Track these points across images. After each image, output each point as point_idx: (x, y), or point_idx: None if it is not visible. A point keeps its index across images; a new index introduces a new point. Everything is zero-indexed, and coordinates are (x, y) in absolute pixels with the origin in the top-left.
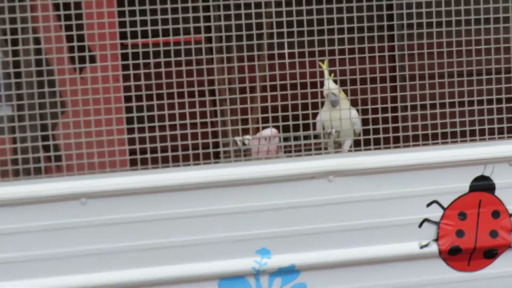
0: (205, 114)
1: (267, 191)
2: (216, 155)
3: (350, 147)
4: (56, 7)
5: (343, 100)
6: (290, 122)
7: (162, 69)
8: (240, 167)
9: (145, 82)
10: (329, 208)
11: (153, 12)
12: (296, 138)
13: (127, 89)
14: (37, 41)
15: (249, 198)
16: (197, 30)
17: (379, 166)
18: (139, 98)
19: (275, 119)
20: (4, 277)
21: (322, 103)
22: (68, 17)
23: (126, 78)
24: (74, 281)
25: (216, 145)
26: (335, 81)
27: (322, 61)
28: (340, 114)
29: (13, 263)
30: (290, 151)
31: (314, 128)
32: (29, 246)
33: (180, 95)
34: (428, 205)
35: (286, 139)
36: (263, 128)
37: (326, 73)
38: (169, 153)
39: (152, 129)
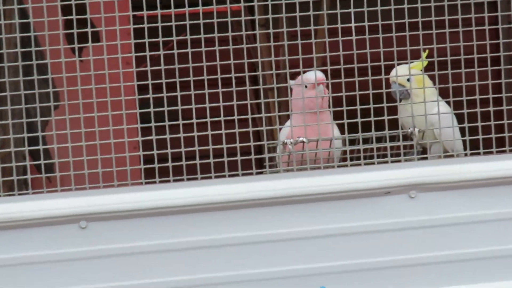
0: (245, 108)
1: (328, 211)
2: (260, 163)
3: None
4: None
5: (431, 91)
6: (358, 119)
7: (189, 50)
8: (290, 180)
9: (166, 67)
10: (412, 233)
11: None
12: (366, 141)
13: (141, 76)
14: (24, 14)
15: (304, 221)
16: None
17: (480, 177)
18: (157, 88)
19: (338, 115)
20: None
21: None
22: None
23: (140, 61)
24: None
25: (259, 150)
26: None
27: (424, 50)
28: (425, 109)
29: None
30: (358, 158)
31: (393, 128)
32: (10, 284)
33: (212, 83)
34: None
35: (352, 142)
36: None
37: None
38: (197, 161)
39: (174, 129)
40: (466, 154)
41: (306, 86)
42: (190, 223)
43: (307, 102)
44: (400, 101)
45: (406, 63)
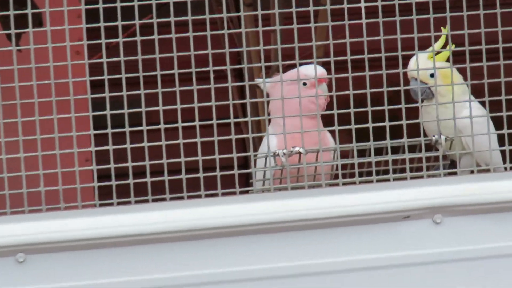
0: (227, 110)
1: (331, 241)
2: (246, 180)
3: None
4: None
5: (460, 89)
6: (370, 124)
7: (155, 36)
8: (284, 201)
9: (126, 58)
10: (437, 268)
11: None
12: (379, 152)
13: (95, 69)
14: None
15: (301, 253)
16: None
17: None
18: (115, 85)
19: (345, 119)
20: None
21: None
22: None
23: (93, 51)
24: None
25: (244, 162)
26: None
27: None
28: (453, 111)
29: None
30: (369, 174)
31: (413, 135)
32: None
33: (185, 78)
34: None
35: (362, 153)
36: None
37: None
38: (165, 177)
39: (136, 136)
40: (505, 169)
41: (305, 84)
42: (156, 255)
43: (305, 103)
44: (422, 101)
45: (429, 52)
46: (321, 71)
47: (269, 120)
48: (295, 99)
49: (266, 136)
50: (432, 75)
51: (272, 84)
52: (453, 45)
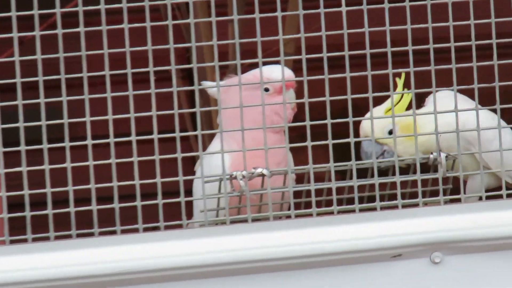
0: (172, 120)
1: (303, 285)
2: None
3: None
4: None
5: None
6: (351, 139)
7: (81, 29)
8: (242, 236)
9: (44, 57)
10: None
11: None
12: (363, 173)
13: (4, 71)
14: None
15: None
16: None
17: None
18: (29, 89)
19: (320, 132)
20: None
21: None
22: None
23: (3, 46)
24: None
25: (189, 186)
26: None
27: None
28: (457, 121)
29: None
30: (351, 201)
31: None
32: None
33: (117, 81)
34: None
35: (341, 176)
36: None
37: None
38: (93, 207)
39: (57, 154)
40: None
41: (267, 90)
42: None
43: (268, 113)
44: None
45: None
46: (288, 73)
47: (213, 135)
48: (254, 108)
49: (208, 153)
50: (390, 132)
51: (224, 89)
52: (409, 95)
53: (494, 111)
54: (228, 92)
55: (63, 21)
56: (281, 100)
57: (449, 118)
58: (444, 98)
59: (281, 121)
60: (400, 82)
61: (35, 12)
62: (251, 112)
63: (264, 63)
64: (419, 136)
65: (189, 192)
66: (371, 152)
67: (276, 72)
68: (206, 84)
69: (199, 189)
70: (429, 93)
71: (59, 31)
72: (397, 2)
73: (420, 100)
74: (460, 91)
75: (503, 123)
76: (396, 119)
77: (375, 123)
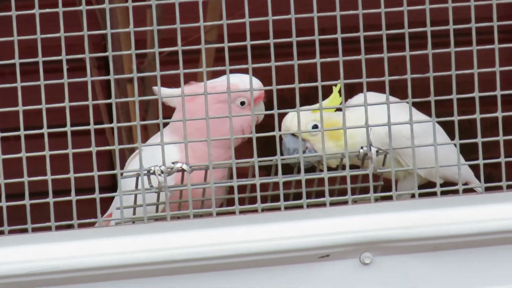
0: (86, 113)
1: (225, 286)
2: (108, 205)
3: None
4: None
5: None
6: (276, 133)
7: None
8: (163, 235)
9: None
10: None
11: None
12: (290, 169)
13: None
14: None
15: None
16: None
17: (477, 230)
18: None
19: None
20: None
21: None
22: None
23: None
24: None
25: (112, 183)
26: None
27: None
28: (388, 115)
29: None
30: (276, 198)
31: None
32: None
33: (30, 70)
34: None
35: (267, 171)
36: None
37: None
38: (3, 203)
39: None
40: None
41: (243, 103)
42: None
43: (245, 127)
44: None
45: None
46: (258, 84)
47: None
48: (224, 121)
49: (147, 145)
50: (315, 126)
51: (189, 98)
52: (340, 99)
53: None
54: (195, 100)
55: None
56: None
57: (375, 121)
58: (370, 100)
59: (248, 130)
60: (336, 89)
61: None
62: (223, 125)
63: (184, 52)
64: (344, 138)
65: (107, 188)
66: (294, 148)
67: (248, 84)
68: (168, 92)
69: (126, 184)
70: (357, 91)
71: None
72: None
73: (348, 97)
74: (391, 82)
75: (424, 117)
76: (320, 119)
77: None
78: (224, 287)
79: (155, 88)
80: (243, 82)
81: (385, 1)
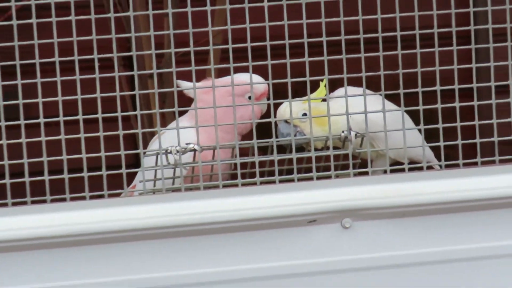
0: (114, 103)
1: (229, 246)
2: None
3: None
4: None
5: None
6: (272, 119)
7: (33, 20)
8: (177, 204)
9: (1, 45)
10: (345, 276)
11: None
12: (283, 150)
13: None
14: None
15: (192, 262)
16: None
17: (438, 200)
18: None
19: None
20: None
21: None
22: None
23: None
24: None
25: (136, 161)
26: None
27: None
28: (365, 104)
29: None
30: (272, 173)
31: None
32: None
33: (67, 68)
34: None
35: (263, 151)
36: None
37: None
38: (46, 177)
39: (12, 132)
40: (440, 166)
41: (250, 97)
42: (41, 262)
43: (249, 117)
44: (298, 146)
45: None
46: (264, 84)
47: (184, 113)
48: (237, 113)
49: (165, 129)
50: (305, 114)
51: (204, 90)
52: (325, 91)
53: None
54: (211, 93)
55: (18, 14)
56: (258, 106)
57: (354, 110)
58: (350, 92)
59: (250, 123)
60: (322, 84)
61: None
62: (230, 114)
63: (195, 52)
64: (328, 124)
65: (131, 165)
66: (287, 133)
67: (255, 81)
68: (183, 84)
69: (148, 162)
70: (338, 86)
71: (14, 22)
72: None
73: (331, 90)
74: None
75: (395, 107)
76: (308, 108)
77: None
78: (229, 246)
79: (179, 82)
80: (249, 80)
81: (362, 10)
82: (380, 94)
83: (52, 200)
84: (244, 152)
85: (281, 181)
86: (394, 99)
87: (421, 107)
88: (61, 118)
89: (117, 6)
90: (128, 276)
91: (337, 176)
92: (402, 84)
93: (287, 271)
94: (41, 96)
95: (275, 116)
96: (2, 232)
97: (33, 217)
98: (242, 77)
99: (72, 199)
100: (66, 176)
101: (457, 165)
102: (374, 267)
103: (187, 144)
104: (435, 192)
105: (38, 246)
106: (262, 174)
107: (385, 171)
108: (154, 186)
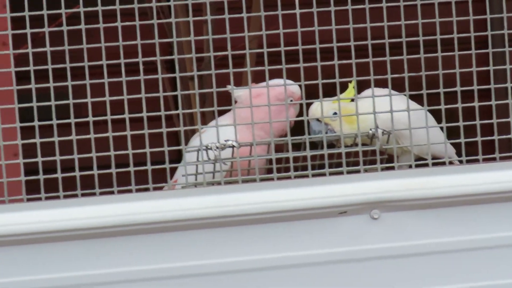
0: (158, 103)
1: (266, 237)
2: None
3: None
4: None
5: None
6: (304, 118)
7: (82, 26)
8: (217, 196)
9: (53, 49)
10: (374, 265)
11: None
12: (315, 146)
13: (21, 60)
14: None
15: (230, 250)
16: None
17: (460, 192)
18: (42, 77)
19: None
20: None
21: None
22: None
23: (19, 41)
24: None
25: (178, 157)
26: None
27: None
28: (391, 104)
29: None
30: (305, 168)
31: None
32: None
33: (114, 71)
34: None
35: (297, 147)
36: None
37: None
38: (95, 171)
39: (64, 129)
40: (460, 162)
41: (291, 100)
42: (91, 251)
43: (277, 114)
44: (329, 143)
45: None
46: (298, 89)
47: (223, 112)
48: (279, 114)
49: (206, 127)
50: (335, 113)
51: (255, 95)
52: (353, 92)
53: (416, 98)
54: (259, 97)
55: (68, 21)
56: (295, 110)
57: (381, 109)
58: (376, 93)
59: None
60: (351, 85)
61: (45, 12)
62: (280, 117)
63: (233, 56)
64: (356, 122)
65: (174, 161)
66: (318, 130)
67: (296, 88)
68: (236, 91)
69: (189, 157)
70: (365, 87)
71: (64, 28)
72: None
73: (359, 91)
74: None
75: (418, 106)
76: (338, 107)
77: (324, 109)
78: (267, 236)
79: (228, 87)
80: (293, 87)
81: (388, 17)
82: (405, 95)
83: (101, 193)
84: (279, 148)
85: (313, 175)
86: (417, 99)
87: (442, 107)
88: (108, 117)
89: (159, 13)
90: (174, 264)
91: (365, 171)
92: (425, 85)
93: (320, 259)
94: (90, 96)
95: (307, 115)
96: (65, 222)
97: (84, 208)
98: (279, 82)
99: (119, 192)
100: (113, 170)
101: (476, 160)
102: (401, 255)
103: (225, 141)
104: (457, 185)
105: (89, 236)
106: (296, 169)
107: (410, 166)
108: (196, 180)
